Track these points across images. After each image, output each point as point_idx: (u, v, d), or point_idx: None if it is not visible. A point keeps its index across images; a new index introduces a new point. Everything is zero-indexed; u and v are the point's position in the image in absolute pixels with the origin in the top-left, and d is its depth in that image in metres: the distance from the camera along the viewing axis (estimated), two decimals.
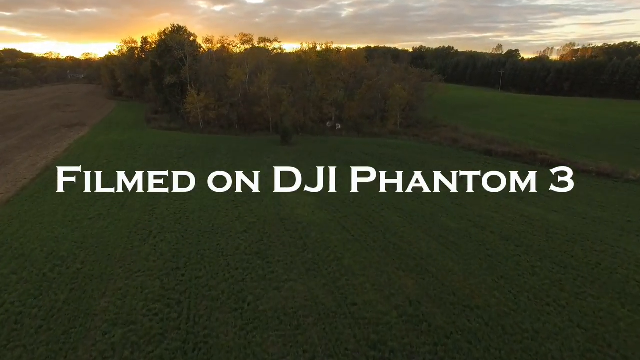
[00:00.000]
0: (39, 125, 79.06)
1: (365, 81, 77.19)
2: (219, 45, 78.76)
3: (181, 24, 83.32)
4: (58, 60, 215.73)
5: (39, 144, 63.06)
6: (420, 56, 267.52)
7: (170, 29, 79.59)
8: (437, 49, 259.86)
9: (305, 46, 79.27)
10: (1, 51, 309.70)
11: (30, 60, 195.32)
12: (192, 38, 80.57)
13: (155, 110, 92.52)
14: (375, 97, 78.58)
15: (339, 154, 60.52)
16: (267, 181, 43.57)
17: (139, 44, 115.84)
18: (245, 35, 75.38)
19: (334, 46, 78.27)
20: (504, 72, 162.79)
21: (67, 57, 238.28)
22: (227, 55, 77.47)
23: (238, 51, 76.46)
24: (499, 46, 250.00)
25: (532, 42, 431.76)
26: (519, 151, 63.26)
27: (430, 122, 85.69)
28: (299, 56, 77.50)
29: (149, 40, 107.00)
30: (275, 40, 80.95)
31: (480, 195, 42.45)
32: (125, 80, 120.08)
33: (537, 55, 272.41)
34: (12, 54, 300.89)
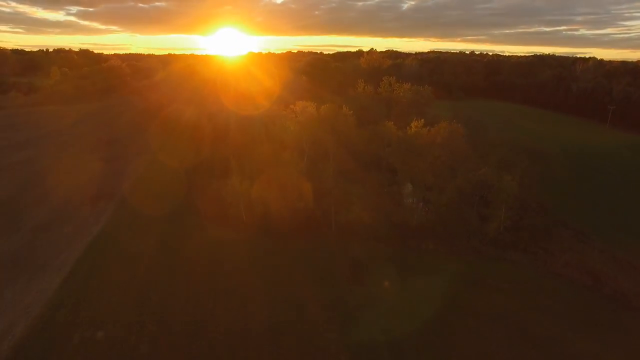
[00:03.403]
0: (60, 196, 65.28)
1: (462, 171, 54.71)
2: None
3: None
4: (121, 65, 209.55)
5: (41, 254, 48.30)
6: (495, 70, 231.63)
7: None
8: (517, 63, 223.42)
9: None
10: (75, 52, 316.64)
11: (94, 70, 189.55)
12: None
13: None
14: (475, 191, 55.90)
15: (429, 309, 39.86)
16: None
17: None
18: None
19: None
20: (614, 107, 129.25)
21: (128, 62, 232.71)
22: (278, 128, 57.66)
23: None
24: (600, 62, 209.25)
25: (614, 35, 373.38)
26: None
27: (541, 216, 61.34)
28: (375, 132, 56.39)
29: None
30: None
31: None
32: None
33: None
34: (84, 55, 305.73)
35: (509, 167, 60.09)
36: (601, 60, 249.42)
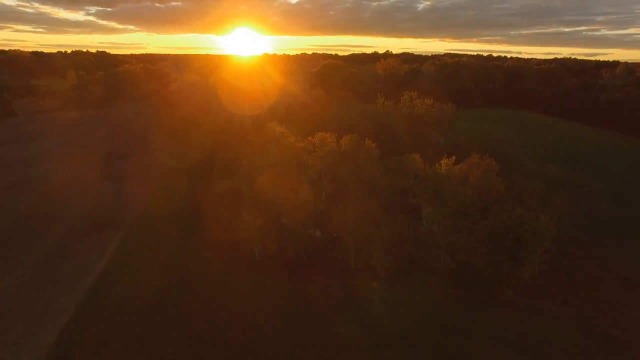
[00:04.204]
0: (65, 224, 61.92)
1: (495, 211, 49.23)
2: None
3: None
4: (135, 69, 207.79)
5: (39, 297, 44.73)
6: (517, 75, 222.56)
7: None
8: (538, 70, 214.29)
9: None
10: (92, 54, 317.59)
11: (108, 75, 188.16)
12: None
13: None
14: (508, 232, 50.36)
15: None
16: None
17: None
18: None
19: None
20: None
21: (142, 66, 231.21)
22: (296, 158, 52.37)
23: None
24: (626, 66, 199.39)
25: (637, 36, 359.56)
26: None
27: (580, 259, 55.27)
28: (400, 163, 51.32)
29: None
30: None
31: None
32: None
33: None
34: (101, 57, 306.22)
35: (545, 204, 54.46)
36: (627, 64, 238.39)
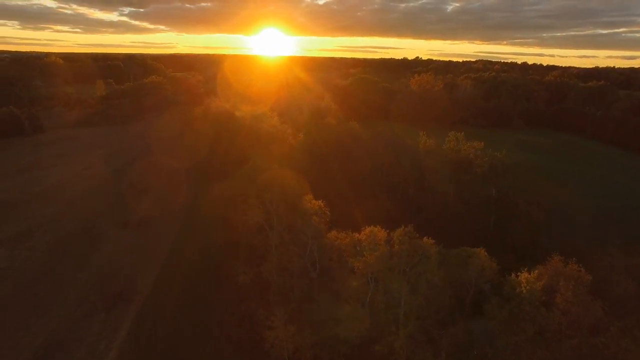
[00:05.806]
0: (73, 295, 54.70)
1: (584, 333, 38.24)
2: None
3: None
4: (162, 81, 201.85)
5: None
6: (559, 93, 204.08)
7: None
8: (585, 87, 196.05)
9: None
10: (122, 59, 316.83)
11: (135, 87, 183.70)
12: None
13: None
14: (602, 356, 39.32)
15: None
16: None
17: None
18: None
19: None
20: None
21: (169, 72, 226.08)
22: (340, 253, 42.16)
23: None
24: None
25: None
26: None
27: None
28: (463, 260, 41.01)
29: None
30: None
31: None
32: None
33: None
34: (130, 61, 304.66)
35: None
36: None
